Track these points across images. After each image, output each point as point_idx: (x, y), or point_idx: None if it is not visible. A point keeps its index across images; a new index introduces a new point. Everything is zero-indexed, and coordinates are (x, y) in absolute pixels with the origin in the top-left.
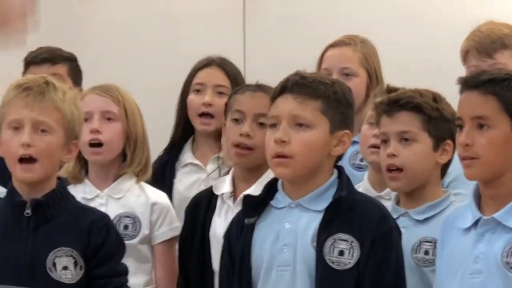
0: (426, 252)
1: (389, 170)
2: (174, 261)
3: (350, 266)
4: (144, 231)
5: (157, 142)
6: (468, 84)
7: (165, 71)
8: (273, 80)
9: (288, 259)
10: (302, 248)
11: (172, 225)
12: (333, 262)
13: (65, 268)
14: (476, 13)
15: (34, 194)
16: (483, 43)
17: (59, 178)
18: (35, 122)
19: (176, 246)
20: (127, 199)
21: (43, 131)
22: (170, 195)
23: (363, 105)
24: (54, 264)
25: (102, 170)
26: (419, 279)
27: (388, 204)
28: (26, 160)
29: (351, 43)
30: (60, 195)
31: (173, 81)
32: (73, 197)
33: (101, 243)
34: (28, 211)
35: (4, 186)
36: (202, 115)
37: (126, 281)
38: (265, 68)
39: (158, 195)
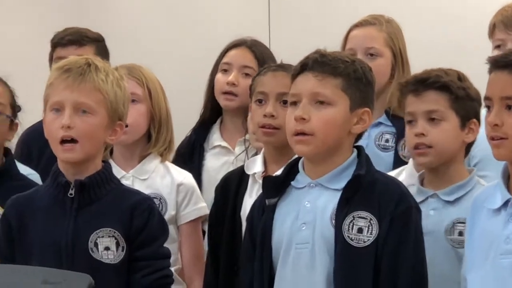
0: (460, 233)
1: (417, 147)
2: (200, 241)
3: (368, 243)
4: (170, 211)
5: (184, 123)
6: (497, 64)
7: (192, 51)
8: (298, 61)
9: (307, 237)
10: (321, 226)
11: (198, 205)
12: (351, 240)
13: (106, 248)
14: None
15: (78, 175)
16: (511, 17)
17: (104, 160)
18: (75, 103)
19: (202, 226)
20: (152, 180)
21: (84, 112)
22: (199, 176)
23: (388, 85)
24: (96, 245)
25: (127, 151)
26: (455, 260)
27: None
28: (67, 141)
29: (376, 23)
30: (104, 177)
31: (200, 61)
32: (117, 179)
33: (144, 225)
34: (71, 192)
35: (31, 167)
36: (226, 93)
37: (168, 264)
38: (290, 48)
39: (183, 176)
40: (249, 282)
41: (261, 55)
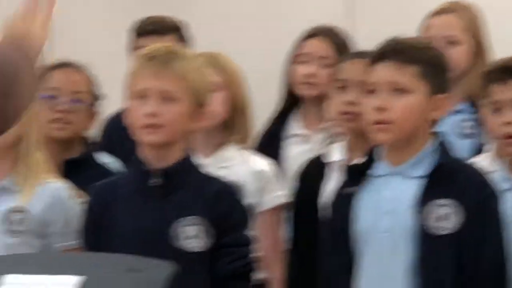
0: None
1: (509, 137)
2: (278, 229)
3: (450, 231)
4: (250, 199)
5: (263, 112)
6: None
7: (271, 40)
8: None
9: (388, 226)
10: (402, 214)
11: (277, 192)
12: (433, 228)
13: (190, 236)
14: None
15: (161, 163)
16: None
17: (187, 148)
18: (160, 91)
19: (282, 214)
20: (232, 168)
21: (168, 100)
22: (278, 164)
23: (468, 72)
24: (179, 233)
25: (206, 138)
26: None
27: None
28: (151, 126)
29: (455, 10)
30: (187, 164)
31: (279, 49)
32: (200, 167)
33: (227, 212)
34: (155, 180)
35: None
36: (305, 83)
37: (251, 251)
38: (372, 36)
39: (263, 163)
40: (330, 270)
41: (338, 44)
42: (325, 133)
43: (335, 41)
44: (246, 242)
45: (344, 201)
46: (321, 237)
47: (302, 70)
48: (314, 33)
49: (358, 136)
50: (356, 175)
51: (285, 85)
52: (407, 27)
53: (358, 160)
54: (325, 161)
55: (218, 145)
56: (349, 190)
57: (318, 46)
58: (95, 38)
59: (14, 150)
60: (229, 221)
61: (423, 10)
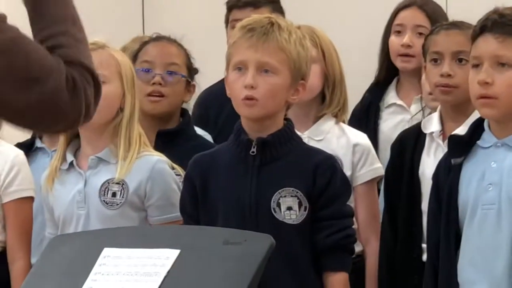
0: None
1: None
2: (376, 201)
3: None
4: (346, 172)
5: (356, 84)
6: None
7: (365, 12)
8: (476, 19)
9: (493, 198)
10: (508, 187)
11: (373, 165)
12: None
13: (289, 208)
14: None
15: (260, 134)
16: None
17: (286, 119)
18: (259, 63)
19: (378, 186)
20: (328, 141)
21: (267, 71)
22: (374, 135)
23: None
24: (278, 204)
25: (301, 111)
26: None
27: None
28: (250, 99)
29: None
30: (286, 135)
31: (372, 22)
32: (299, 138)
33: (327, 184)
34: (253, 149)
35: (209, 128)
36: (402, 55)
37: (352, 223)
38: (467, 8)
39: (359, 136)
40: (436, 240)
41: (433, 13)
42: (422, 103)
43: (430, 11)
44: (346, 214)
45: (449, 171)
46: (418, 208)
47: (398, 40)
48: (408, 4)
49: (454, 107)
50: (460, 146)
51: (382, 57)
52: None
53: (460, 130)
54: (422, 131)
55: (315, 118)
56: (454, 160)
57: (412, 16)
58: (190, 11)
59: (112, 123)
60: (328, 193)
61: None
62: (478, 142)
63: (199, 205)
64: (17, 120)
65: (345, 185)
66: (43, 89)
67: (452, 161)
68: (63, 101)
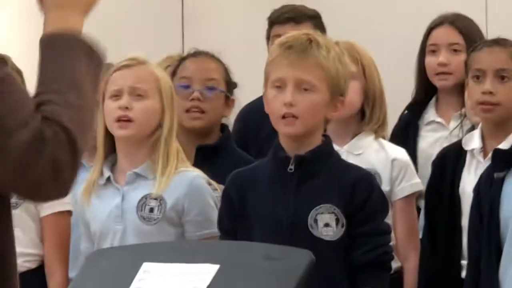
0: None
1: None
2: (414, 217)
3: None
4: (385, 187)
5: (396, 100)
6: None
7: (402, 30)
8: None
9: None
10: None
11: (412, 180)
12: None
13: (326, 225)
14: None
15: (298, 150)
16: None
17: (324, 136)
18: (297, 80)
19: (417, 202)
20: (367, 155)
21: (306, 90)
22: (413, 152)
23: None
24: (315, 221)
25: (341, 127)
26: None
27: None
28: (290, 116)
29: None
30: (324, 152)
31: (410, 40)
32: (337, 154)
33: (365, 201)
34: (291, 166)
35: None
36: (439, 73)
37: (389, 240)
38: (508, 22)
39: (397, 151)
40: (476, 255)
41: (466, 29)
42: (461, 120)
43: (462, 27)
44: (383, 231)
45: (490, 185)
46: (459, 224)
47: (434, 59)
48: (439, 22)
49: (495, 125)
50: (504, 160)
51: (419, 76)
52: None
53: (503, 145)
54: (463, 148)
55: (354, 134)
56: (497, 174)
57: (445, 34)
58: (230, 26)
59: (151, 138)
60: (366, 210)
61: None
62: None
63: (237, 221)
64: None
65: (383, 202)
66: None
67: (495, 175)
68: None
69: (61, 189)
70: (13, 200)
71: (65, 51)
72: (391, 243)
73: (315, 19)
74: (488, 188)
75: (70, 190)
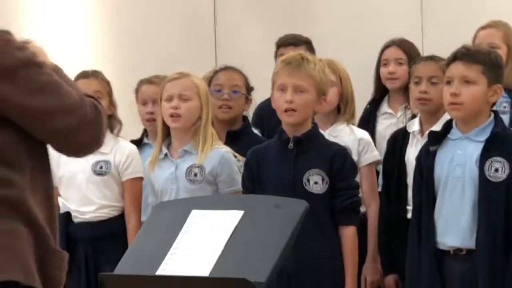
0: None
1: None
2: (374, 178)
3: (502, 179)
4: (354, 157)
5: (362, 99)
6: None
7: (365, 51)
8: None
9: (460, 174)
10: (469, 167)
11: (372, 153)
12: (490, 176)
13: (315, 183)
14: None
15: (296, 133)
16: None
17: (313, 123)
18: (295, 85)
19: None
20: (341, 137)
21: (300, 91)
22: (373, 134)
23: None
24: (308, 180)
25: (324, 118)
26: None
27: None
28: (290, 110)
29: (494, 26)
30: (313, 134)
31: (370, 57)
32: (322, 136)
33: (341, 166)
34: (291, 144)
35: (262, 129)
36: (389, 79)
37: (358, 193)
38: (438, 44)
39: (362, 133)
40: (418, 203)
41: (408, 49)
42: (405, 111)
43: (405, 47)
44: (354, 187)
45: (428, 156)
46: (405, 182)
47: (386, 70)
48: (390, 44)
49: (429, 114)
50: (436, 138)
51: (376, 81)
52: (463, 38)
53: (435, 128)
54: (408, 130)
55: (333, 122)
56: (432, 148)
57: (394, 52)
58: (250, 48)
59: (193, 126)
60: (342, 172)
61: (473, 26)
62: (448, 135)
63: (255, 182)
64: (62, 137)
65: (353, 167)
66: (72, 116)
67: (430, 148)
68: (88, 121)
69: (102, 140)
70: (103, 169)
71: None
72: (359, 195)
73: (308, 44)
74: (425, 158)
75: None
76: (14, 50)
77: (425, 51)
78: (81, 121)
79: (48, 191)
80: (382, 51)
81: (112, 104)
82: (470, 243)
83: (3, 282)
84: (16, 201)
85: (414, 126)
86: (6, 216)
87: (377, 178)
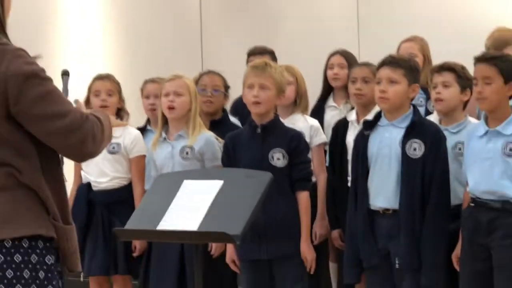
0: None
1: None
2: (323, 155)
3: (419, 156)
4: (307, 139)
5: (313, 94)
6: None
7: (315, 58)
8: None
9: (387, 152)
10: (394, 147)
11: (321, 136)
12: (410, 154)
13: (278, 159)
14: None
15: (262, 121)
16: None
17: (275, 113)
18: (260, 84)
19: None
20: (297, 124)
21: (264, 88)
22: (322, 122)
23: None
24: (272, 157)
25: (284, 110)
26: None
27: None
28: (256, 103)
29: (413, 40)
30: (275, 122)
31: (321, 62)
32: (282, 124)
33: (297, 145)
34: (259, 130)
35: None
36: (333, 79)
37: (310, 166)
38: (374, 52)
39: (313, 121)
40: (355, 174)
41: (348, 57)
42: (346, 105)
43: (346, 55)
44: (307, 162)
45: (362, 138)
46: (345, 158)
47: (331, 72)
48: (335, 52)
49: (362, 106)
50: (369, 125)
51: (324, 81)
52: (390, 48)
53: (368, 117)
54: (348, 119)
55: (291, 113)
56: (366, 132)
57: (337, 59)
58: (230, 57)
59: (185, 117)
60: (297, 151)
61: (398, 39)
62: (378, 123)
63: (231, 159)
64: (58, 139)
65: (306, 147)
66: (66, 120)
67: (364, 133)
68: (76, 126)
69: (92, 153)
70: (115, 149)
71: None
72: (311, 168)
73: (271, 53)
74: (361, 140)
75: (93, 156)
76: (22, 63)
77: (361, 58)
78: (71, 126)
79: (58, 180)
80: (329, 58)
81: (121, 99)
82: (395, 205)
83: (30, 236)
84: (34, 184)
85: (352, 116)
86: (19, 186)
87: (325, 155)
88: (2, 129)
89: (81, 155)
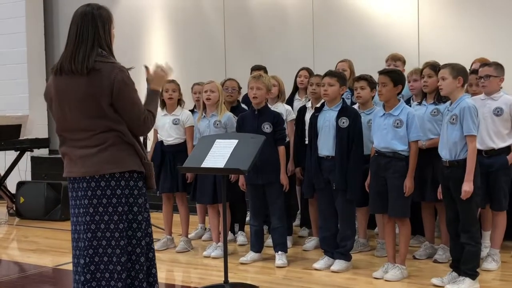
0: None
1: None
2: (293, 127)
3: (345, 126)
4: (284, 117)
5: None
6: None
7: (291, 69)
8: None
9: (329, 125)
10: (332, 121)
11: (292, 116)
12: (341, 125)
13: (267, 128)
14: None
15: (258, 107)
16: None
17: (266, 103)
18: (257, 86)
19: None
20: (279, 109)
21: (259, 89)
22: (293, 108)
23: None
24: (263, 126)
25: (271, 100)
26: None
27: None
28: (254, 97)
29: (344, 61)
30: (266, 107)
31: (293, 71)
32: (270, 108)
33: (277, 121)
34: (256, 112)
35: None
36: (300, 83)
37: (285, 131)
38: (325, 68)
39: (288, 107)
40: (310, 137)
41: (309, 71)
42: (306, 99)
43: (308, 69)
44: (283, 129)
45: (314, 117)
46: (304, 129)
47: (299, 79)
48: (303, 68)
49: (315, 99)
50: (319, 110)
51: (294, 84)
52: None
53: (318, 105)
54: (306, 107)
55: (275, 102)
56: (316, 114)
57: (303, 72)
58: (243, 70)
59: (216, 104)
60: (278, 123)
61: (341, 57)
62: (323, 108)
63: (241, 129)
64: (133, 119)
65: (283, 121)
66: (137, 110)
67: (315, 114)
68: (142, 117)
69: (144, 130)
70: (176, 122)
71: (154, 96)
72: (286, 133)
73: (264, 69)
74: (313, 118)
75: (146, 132)
76: (123, 76)
77: (316, 71)
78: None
79: (138, 139)
80: (298, 71)
81: (180, 94)
82: (333, 153)
83: (130, 170)
84: (131, 141)
85: (308, 104)
86: (123, 142)
87: (294, 126)
88: (108, 111)
89: (140, 130)
